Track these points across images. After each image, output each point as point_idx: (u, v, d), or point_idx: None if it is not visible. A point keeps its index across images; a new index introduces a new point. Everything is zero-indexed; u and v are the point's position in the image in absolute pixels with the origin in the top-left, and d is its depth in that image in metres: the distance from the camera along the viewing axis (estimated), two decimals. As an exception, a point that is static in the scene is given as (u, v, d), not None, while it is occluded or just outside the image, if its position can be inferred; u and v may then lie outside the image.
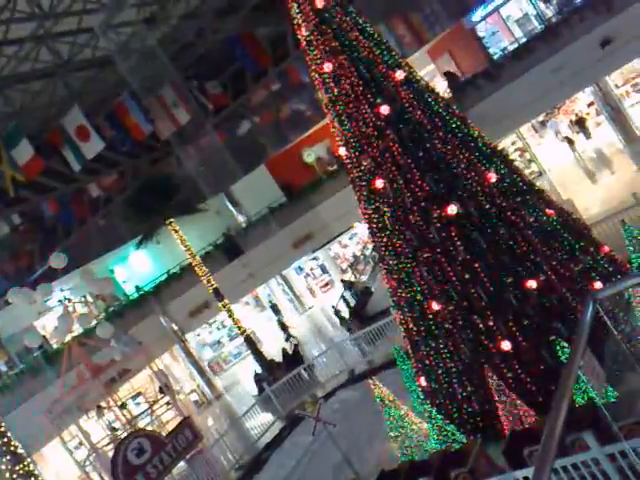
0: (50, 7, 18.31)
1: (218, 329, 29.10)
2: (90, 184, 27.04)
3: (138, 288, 24.76)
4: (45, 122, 23.64)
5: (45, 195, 24.32)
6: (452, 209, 8.75)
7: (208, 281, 21.93)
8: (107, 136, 22.41)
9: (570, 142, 23.88)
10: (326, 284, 30.46)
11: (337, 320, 21.82)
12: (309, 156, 30.82)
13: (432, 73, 28.77)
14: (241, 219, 29.33)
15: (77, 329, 16.76)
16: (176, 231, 22.12)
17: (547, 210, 9.40)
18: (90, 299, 23.30)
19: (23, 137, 19.56)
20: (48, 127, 22.83)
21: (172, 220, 22.05)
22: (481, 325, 8.50)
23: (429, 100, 9.50)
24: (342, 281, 24.63)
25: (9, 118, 21.08)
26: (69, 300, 14.87)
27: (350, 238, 29.77)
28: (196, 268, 21.99)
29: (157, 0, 22.09)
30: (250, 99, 30.95)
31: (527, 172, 21.91)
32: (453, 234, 8.74)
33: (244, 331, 22.61)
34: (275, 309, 29.83)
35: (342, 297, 22.60)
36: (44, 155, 20.87)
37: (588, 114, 24.75)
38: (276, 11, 24.89)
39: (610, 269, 9.03)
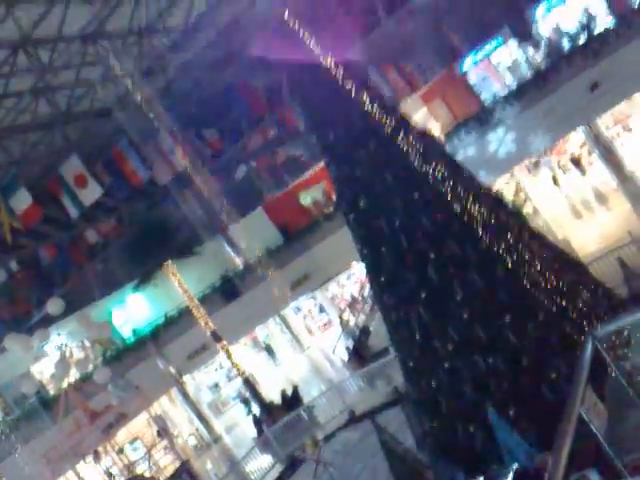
0: (49, 61, 18.71)
1: (216, 370, 28.87)
2: (88, 230, 27.19)
3: (135, 332, 24.67)
4: (44, 171, 23.91)
5: (43, 242, 24.43)
6: (448, 248, 8.89)
7: (206, 323, 21.91)
8: (105, 183, 22.67)
9: (556, 182, 24.29)
10: (324, 324, 30.37)
11: (336, 360, 21.71)
12: (305, 199, 31.11)
13: (425, 117, 29.29)
14: (239, 261, 29.42)
15: (74, 374, 16.68)
16: (174, 274, 22.19)
17: (543, 248, 9.54)
18: (87, 344, 23.18)
19: (21, 186, 19.80)
20: (46, 176, 23.09)
21: (170, 263, 22.14)
22: (481, 364, 8.53)
23: (423, 142, 9.74)
24: (341, 319, 24.59)
25: (8, 167, 21.33)
26: (66, 345, 14.86)
27: (348, 278, 29.82)
28: (194, 310, 22.00)
29: (155, 53, 22.58)
30: (247, 145, 31.42)
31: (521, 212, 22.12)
32: (451, 273, 8.85)
33: (243, 373, 22.49)
34: (269, 350, 29.68)
35: (341, 337, 22.57)
36: (42, 203, 21.07)
37: (581, 154, 25.19)
38: (271, 62, 25.53)
39: (609, 306, 9.12)
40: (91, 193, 21.29)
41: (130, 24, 19.84)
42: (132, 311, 28.19)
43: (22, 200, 19.35)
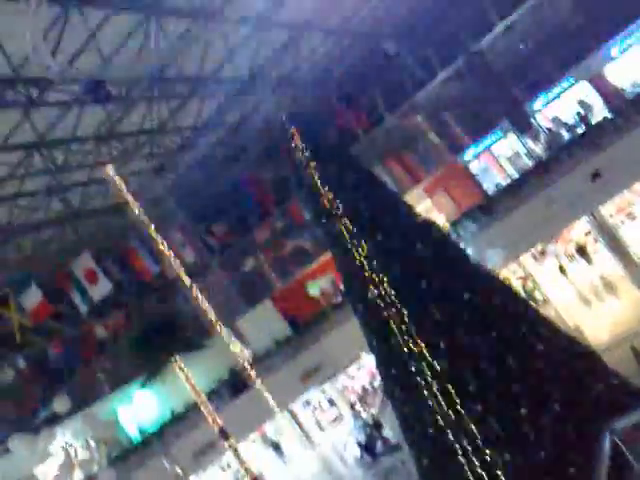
0: (63, 161, 19.32)
1: (224, 470, 27.93)
2: (96, 325, 27.16)
3: (141, 430, 24.15)
4: (54, 267, 24.18)
5: (51, 337, 24.38)
6: (459, 338, 8.85)
7: (213, 420, 21.45)
8: (115, 278, 22.87)
9: (562, 271, 24.33)
10: (335, 418, 29.61)
11: (348, 457, 21.06)
12: (313, 289, 31.13)
13: (429, 208, 29.78)
14: (247, 354, 29.11)
15: (78, 476, 16.22)
16: (181, 369, 21.96)
17: (555, 338, 9.48)
18: (92, 443, 22.66)
19: (32, 283, 19.97)
20: (57, 272, 23.33)
21: (177, 358, 21.97)
22: (497, 460, 8.30)
23: (428, 233, 9.91)
24: (353, 408, 23.96)
25: (20, 265, 21.60)
26: (71, 445, 14.54)
27: (358, 369, 29.34)
28: (201, 406, 21.61)
29: (166, 152, 23.35)
30: (255, 237, 31.86)
31: (530, 301, 22.06)
32: (462, 364, 8.77)
33: (252, 474, 21.75)
34: (277, 447, 28.82)
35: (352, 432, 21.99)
36: (52, 299, 21.18)
37: (586, 242, 25.35)
38: (278, 156, 26.35)
39: (625, 397, 8.94)
40: (101, 289, 21.44)
41: (142, 124, 20.61)
42: (139, 408, 27.69)
43: (33, 297, 19.48)
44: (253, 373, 21.92)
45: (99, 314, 25.55)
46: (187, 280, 19.87)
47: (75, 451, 14.54)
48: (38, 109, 16.13)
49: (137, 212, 18.91)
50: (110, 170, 19.73)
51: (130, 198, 18.87)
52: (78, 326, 24.98)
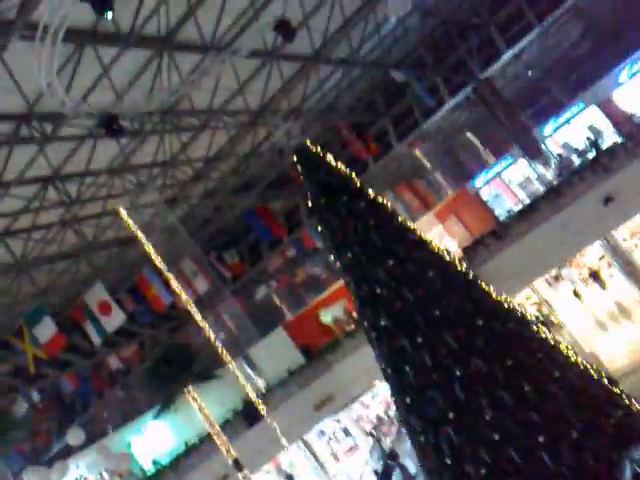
0: (77, 194, 19.53)
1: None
2: (110, 356, 27.18)
3: (155, 462, 23.99)
4: (68, 299, 24.31)
5: (65, 370, 24.40)
6: (474, 365, 8.78)
7: (227, 451, 21.30)
8: (128, 309, 22.93)
9: (577, 295, 24.16)
10: (350, 448, 29.27)
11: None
12: (326, 317, 31.09)
13: (441, 234, 29.80)
14: (261, 383, 28.98)
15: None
16: (195, 399, 21.89)
17: (571, 364, 9.37)
18: (106, 476, 22.53)
19: (46, 315, 20.04)
20: (70, 303, 23.44)
21: (190, 388, 21.92)
22: (517, 490, 8.17)
23: (440, 260, 9.88)
24: (372, 435, 23.66)
25: (34, 298, 21.73)
26: (85, 478, 14.47)
27: (372, 398, 29.09)
28: (215, 437, 21.47)
29: (178, 183, 23.58)
30: (266, 266, 31.94)
31: (545, 327, 21.87)
32: (479, 392, 8.68)
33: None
34: (290, 479, 28.46)
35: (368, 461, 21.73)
36: (66, 331, 21.23)
37: (600, 267, 25.22)
38: (289, 185, 26.55)
39: (643, 424, 8.81)
40: (115, 320, 21.48)
41: (155, 157, 20.86)
42: (152, 440, 27.57)
43: (46, 329, 19.51)
44: (263, 407, 21.78)
45: (112, 345, 25.60)
46: (198, 312, 19.85)
47: (89, 484, 14.44)
48: (52, 143, 16.37)
49: (148, 244, 19.05)
50: (123, 203, 19.98)
51: (141, 231, 19.05)
52: (91, 358, 25.00)
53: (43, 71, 11.43)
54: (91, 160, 18.42)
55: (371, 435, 23.75)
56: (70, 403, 27.22)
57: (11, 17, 11.26)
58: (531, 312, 22.83)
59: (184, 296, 22.34)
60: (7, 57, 12.27)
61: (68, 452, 20.48)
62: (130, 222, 18.83)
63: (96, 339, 22.32)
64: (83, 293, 22.30)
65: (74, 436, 14.24)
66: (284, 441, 23.50)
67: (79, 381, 26.19)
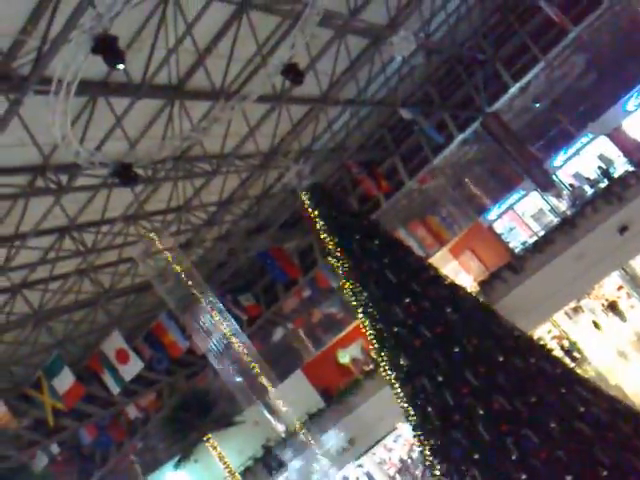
0: (93, 243, 19.67)
1: None
2: (128, 406, 26.97)
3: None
4: (85, 348, 24.28)
5: (84, 422, 24.19)
6: (497, 403, 8.61)
7: (249, 500, 20.92)
8: (145, 356, 22.84)
9: (597, 326, 23.84)
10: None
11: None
12: (344, 357, 30.78)
13: (456, 270, 29.61)
14: (280, 428, 28.57)
15: None
16: (214, 447, 21.61)
17: (596, 398, 9.17)
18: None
19: (64, 365, 19.98)
20: (88, 353, 23.40)
21: (210, 436, 21.66)
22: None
23: (457, 296, 9.80)
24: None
25: (51, 348, 21.72)
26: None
27: (395, 440, 28.51)
28: (236, 487, 21.14)
29: (192, 228, 23.71)
30: (282, 307, 31.81)
31: (568, 360, 21.55)
32: (503, 431, 8.49)
33: None
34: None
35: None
36: (84, 381, 21.15)
37: (619, 297, 24.88)
38: (302, 225, 26.61)
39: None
40: (132, 368, 21.37)
41: (169, 203, 21.03)
42: (172, 491, 27.15)
43: (65, 380, 19.44)
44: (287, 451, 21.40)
45: (131, 394, 25.42)
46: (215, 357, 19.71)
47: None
48: (68, 194, 16.57)
49: (163, 290, 19.06)
50: (138, 250, 20.09)
51: (157, 277, 19.09)
52: (110, 407, 24.82)
53: (57, 124, 11.65)
54: (106, 209, 18.60)
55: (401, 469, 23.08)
56: (89, 455, 26.95)
57: (25, 72, 11.54)
58: (553, 346, 22.50)
59: (201, 338, 22.26)
60: (22, 111, 12.53)
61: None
62: (149, 262, 18.84)
63: (114, 388, 22.17)
64: (100, 342, 22.27)
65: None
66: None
67: (98, 432, 25.94)
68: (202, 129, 15.79)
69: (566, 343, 24.44)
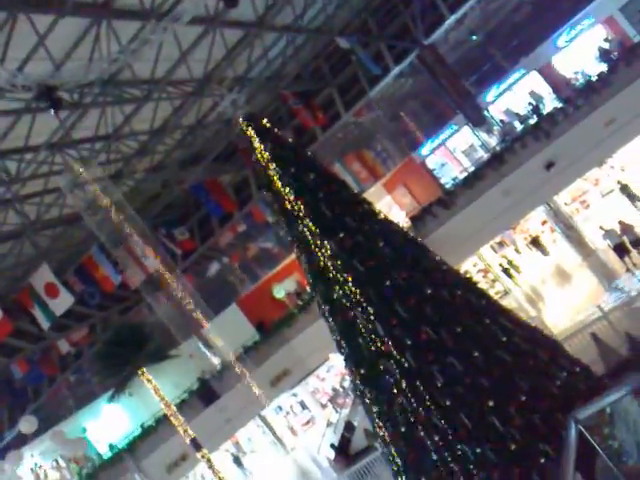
0: (17, 172, 18.82)
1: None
2: (59, 340, 26.54)
3: (112, 446, 23.72)
4: (12, 282, 23.56)
5: (14, 357, 23.71)
6: (424, 334, 8.91)
7: (185, 431, 21.20)
8: (76, 290, 22.37)
9: (512, 266, 24.88)
10: (307, 422, 29.59)
11: (322, 460, 21.04)
12: (279, 292, 31.07)
13: (389, 204, 29.97)
14: (216, 361, 28.85)
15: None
16: (149, 381, 21.64)
17: (518, 329, 9.60)
18: (62, 463, 22.18)
19: (-10, 300, 19.42)
20: (16, 287, 22.73)
21: (144, 370, 21.64)
22: (469, 453, 8.37)
23: (390, 231, 9.94)
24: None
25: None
26: (40, 466, 14.19)
27: (327, 371, 29.37)
28: (172, 418, 21.32)
29: (122, 157, 22.93)
30: (217, 241, 31.55)
31: (492, 292, 22.41)
32: (429, 360, 8.82)
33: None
34: (238, 462, 28.72)
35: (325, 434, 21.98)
36: (12, 316, 20.62)
37: (542, 232, 25.77)
38: (237, 158, 26.15)
39: (588, 384, 9.11)
40: (63, 302, 20.89)
41: (97, 130, 20.21)
42: (107, 424, 27.19)
43: (-9, 315, 18.94)
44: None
45: (61, 328, 24.98)
46: (149, 291, 19.48)
47: (45, 472, 14.15)
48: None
49: (93, 222, 18.53)
50: (65, 180, 19.35)
51: (85, 208, 18.51)
52: (41, 342, 24.36)
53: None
54: (30, 135, 17.73)
55: (334, 402, 23.81)
56: (21, 390, 26.56)
57: None
58: (477, 280, 23.30)
59: (134, 271, 21.93)
60: None
61: (21, 441, 20.01)
62: (76, 193, 18.19)
63: (44, 323, 21.73)
64: (28, 276, 21.64)
65: (26, 424, 13.92)
66: (242, 418, 23.52)
67: (29, 366, 25.52)
68: (131, 51, 15.05)
69: (491, 276, 25.32)
